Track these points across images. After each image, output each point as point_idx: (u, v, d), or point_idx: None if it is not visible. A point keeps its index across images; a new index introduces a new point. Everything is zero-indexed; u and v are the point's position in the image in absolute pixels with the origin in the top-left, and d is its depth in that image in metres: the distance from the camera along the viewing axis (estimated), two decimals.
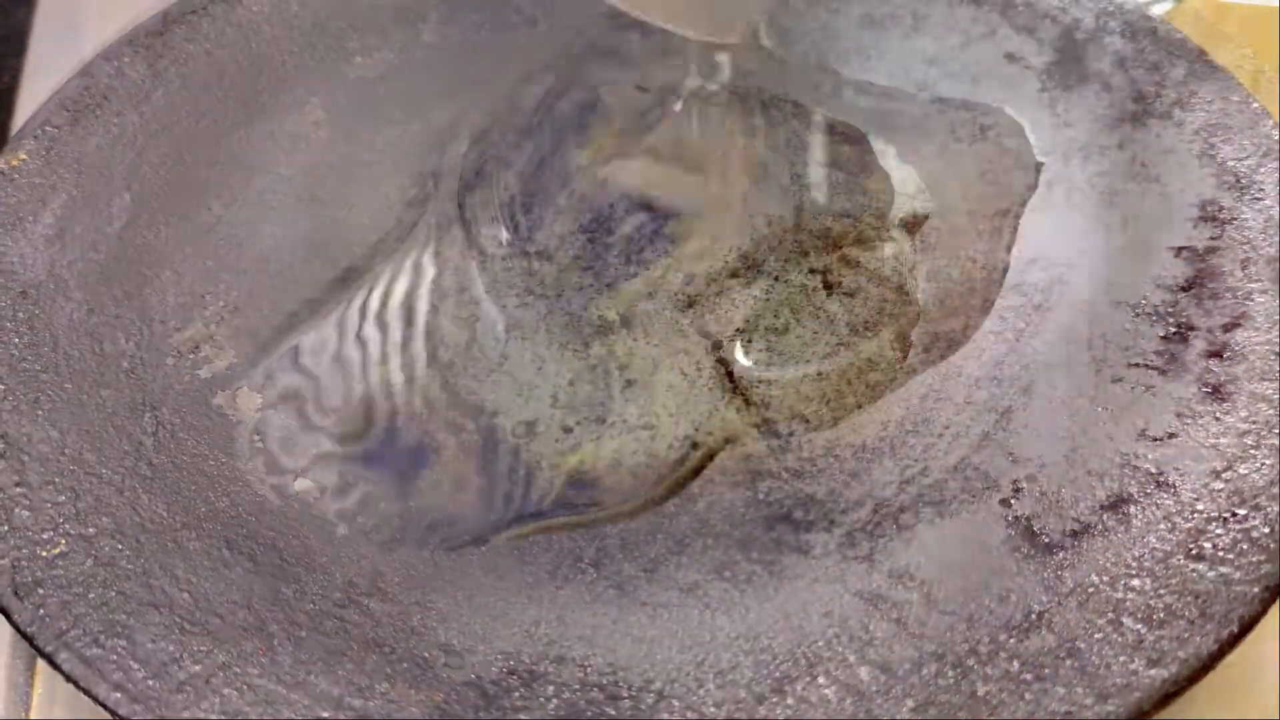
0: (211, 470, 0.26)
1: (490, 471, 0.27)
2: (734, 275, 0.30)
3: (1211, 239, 0.29)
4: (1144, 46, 0.34)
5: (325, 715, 0.22)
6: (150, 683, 0.22)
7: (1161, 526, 0.24)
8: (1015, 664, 0.22)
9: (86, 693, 0.22)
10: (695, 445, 0.27)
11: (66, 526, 0.24)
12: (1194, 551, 0.23)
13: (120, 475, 0.26)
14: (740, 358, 0.29)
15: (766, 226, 0.32)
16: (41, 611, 0.23)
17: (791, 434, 0.27)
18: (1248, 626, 0.22)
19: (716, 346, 0.29)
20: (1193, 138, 0.32)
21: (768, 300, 0.30)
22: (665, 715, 0.22)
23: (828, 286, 0.30)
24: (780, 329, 0.29)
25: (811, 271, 0.30)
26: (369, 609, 0.24)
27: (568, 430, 0.27)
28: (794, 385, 0.28)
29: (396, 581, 0.24)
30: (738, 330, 0.29)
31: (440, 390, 0.28)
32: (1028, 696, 0.21)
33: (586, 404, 0.28)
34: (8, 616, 0.23)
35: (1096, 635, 0.22)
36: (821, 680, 0.22)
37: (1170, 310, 0.28)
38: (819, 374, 0.28)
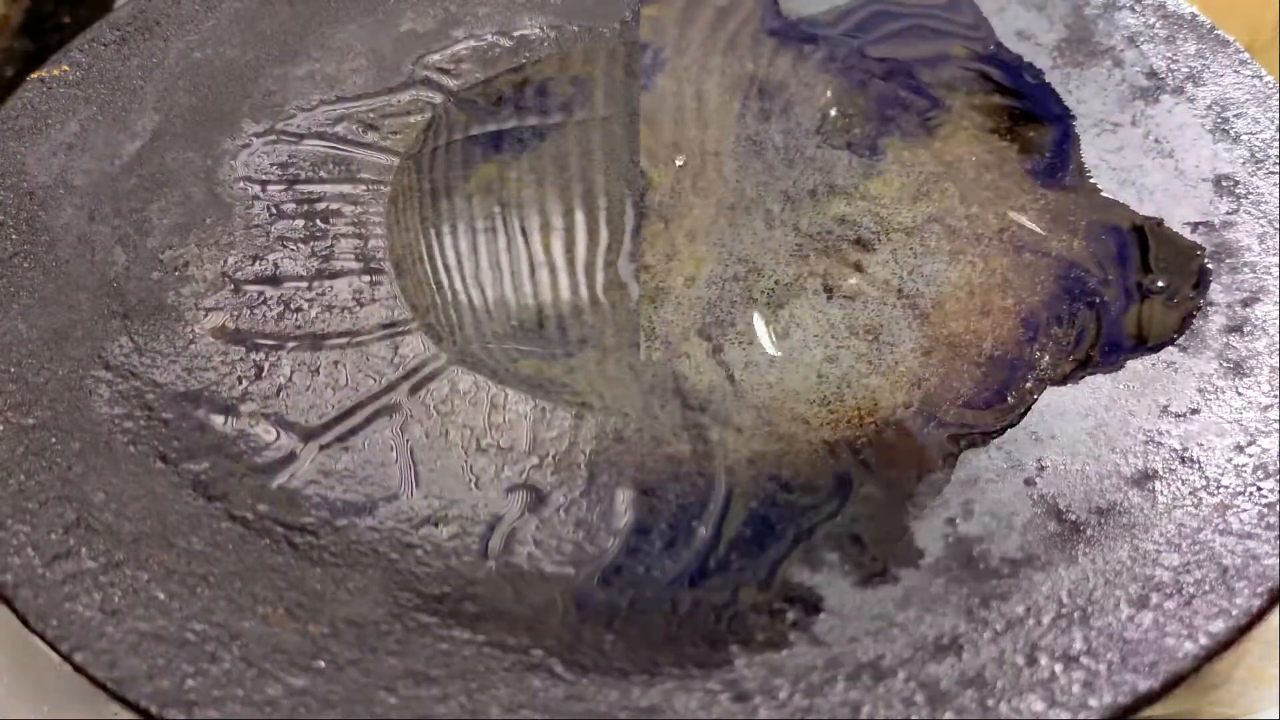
0: (169, 384, 0.27)
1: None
2: (736, 279, 0.30)
3: (1228, 214, 0.29)
4: (1154, 22, 0.34)
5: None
6: (42, 571, 0.23)
7: (1187, 502, 0.24)
8: (1048, 639, 0.22)
9: None
10: (696, 449, 0.27)
11: (9, 414, 0.26)
12: (1220, 526, 0.24)
13: (77, 375, 0.26)
14: (741, 361, 0.28)
15: (768, 230, 0.31)
16: None
17: (792, 436, 0.27)
18: (1276, 598, 0.22)
19: (718, 350, 0.29)
20: (1206, 112, 0.32)
21: (768, 304, 0.30)
22: None
23: (828, 290, 0.30)
24: (781, 333, 0.29)
25: (812, 275, 0.30)
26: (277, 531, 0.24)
27: None
28: (795, 389, 0.28)
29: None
30: (739, 334, 0.29)
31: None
32: (1061, 671, 0.22)
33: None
34: None
35: (1127, 611, 0.22)
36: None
37: None
38: (820, 377, 0.28)
